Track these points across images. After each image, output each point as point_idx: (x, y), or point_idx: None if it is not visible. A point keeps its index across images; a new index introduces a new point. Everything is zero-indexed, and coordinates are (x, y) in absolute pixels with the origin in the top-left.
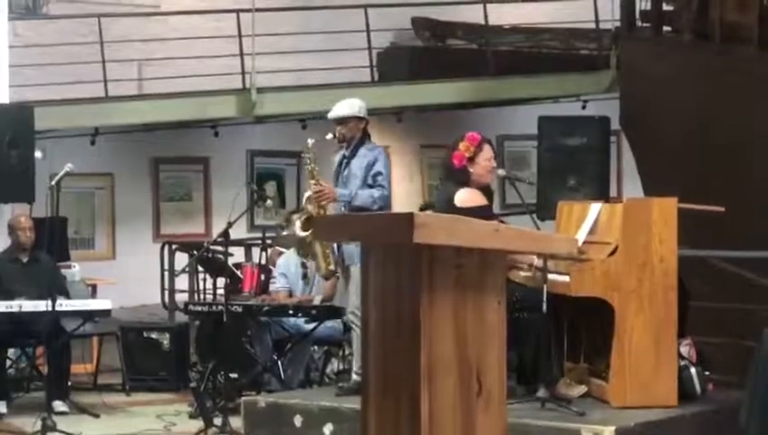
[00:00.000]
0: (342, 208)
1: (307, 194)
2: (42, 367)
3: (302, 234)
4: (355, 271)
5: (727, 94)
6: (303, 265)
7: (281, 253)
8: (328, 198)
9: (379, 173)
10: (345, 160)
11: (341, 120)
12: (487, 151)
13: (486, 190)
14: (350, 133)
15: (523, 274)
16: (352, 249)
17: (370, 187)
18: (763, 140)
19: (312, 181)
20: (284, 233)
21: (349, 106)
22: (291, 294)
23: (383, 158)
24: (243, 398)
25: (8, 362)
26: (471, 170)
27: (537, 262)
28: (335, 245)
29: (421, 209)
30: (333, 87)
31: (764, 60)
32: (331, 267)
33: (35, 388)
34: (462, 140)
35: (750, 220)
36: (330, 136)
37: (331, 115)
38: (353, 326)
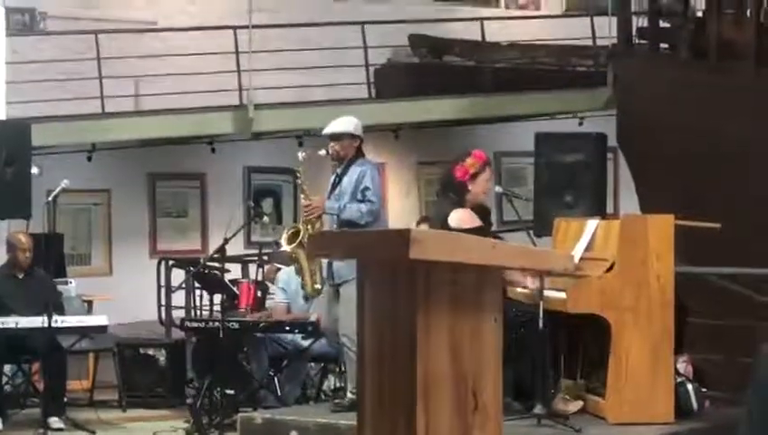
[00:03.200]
0: (335, 225)
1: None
2: (38, 383)
3: (287, 248)
4: (345, 291)
5: (724, 111)
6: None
7: (278, 269)
8: (315, 213)
9: (367, 188)
10: (338, 178)
11: (335, 137)
12: (488, 173)
13: (483, 209)
14: (344, 151)
15: (519, 290)
16: (342, 268)
17: (360, 201)
18: (760, 157)
19: (302, 196)
20: (280, 250)
21: (343, 123)
22: (289, 309)
23: (372, 172)
24: (239, 414)
25: (4, 379)
26: (470, 187)
27: (533, 281)
28: (325, 262)
29: (419, 223)
30: (330, 103)
31: (761, 76)
32: (317, 286)
33: (31, 404)
34: (469, 155)
35: (747, 237)
36: (323, 152)
37: (325, 132)
38: (346, 349)
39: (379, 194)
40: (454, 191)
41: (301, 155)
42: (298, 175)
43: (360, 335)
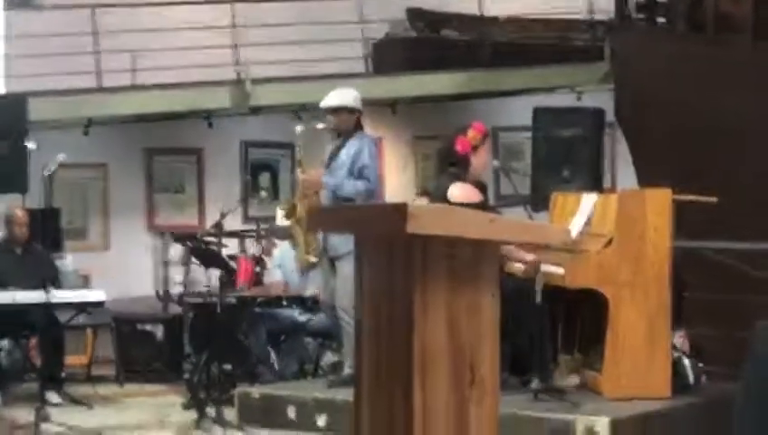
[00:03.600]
0: (332, 197)
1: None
2: (35, 358)
3: (285, 222)
4: (341, 265)
5: (722, 85)
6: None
7: (275, 245)
8: (312, 187)
9: (366, 166)
10: (336, 150)
11: (334, 111)
12: (488, 145)
13: (479, 184)
14: (343, 124)
15: (517, 265)
16: (338, 241)
17: (358, 176)
18: (758, 131)
19: (299, 169)
20: (278, 225)
21: (341, 96)
22: (286, 287)
23: (370, 148)
24: (236, 389)
25: (2, 353)
26: (472, 160)
27: (530, 256)
28: (321, 236)
29: (418, 195)
30: (328, 78)
31: (759, 50)
32: (313, 259)
33: (29, 379)
34: (469, 127)
35: (744, 211)
36: (321, 125)
37: (323, 104)
38: (342, 323)
39: (376, 172)
40: (455, 165)
41: (298, 129)
42: (297, 149)
43: (357, 310)
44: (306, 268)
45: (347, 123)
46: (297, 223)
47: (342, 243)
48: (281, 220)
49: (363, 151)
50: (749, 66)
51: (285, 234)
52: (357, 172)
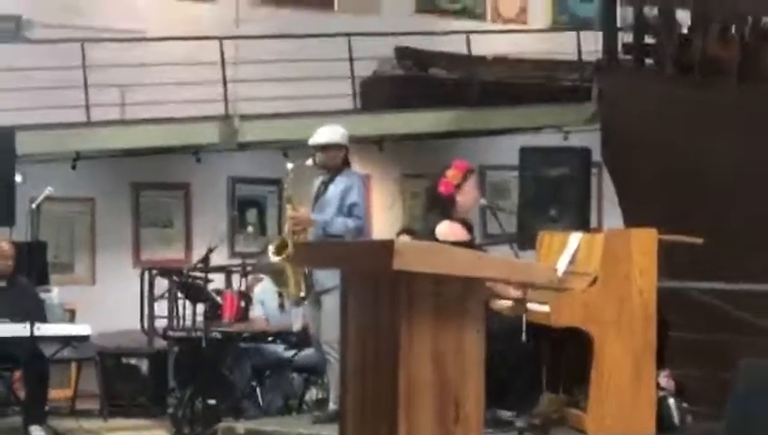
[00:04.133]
0: (320, 234)
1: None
2: (19, 391)
3: (275, 259)
4: (326, 300)
5: (709, 127)
6: (280, 295)
7: (261, 279)
8: (302, 224)
9: (355, 204)
10: (323, 187)
11: (322, 148)
12: (473, 181)
13: (465, 223)
14: (331, 161)
15: (503, 302)
16: (324, 276)
17: (347, 214)
18: (745, 174)
19: (289, 206)
20: (264, 261)
21: (329, 133)
22: (268, 323)
23: (359, 186)
24: (221, 424)
25: None
26: (458, 199)
27: (517, 294)
28: (307, 271)
29: (398, 234)
30: (316, 115)
31: (745, 93)
32: (302, 294)
33: (12, 413)
34: (449, 167)
35: (731, 254)
36: (309, 162)
37: (311, 142)
38: (328, 357)
39: (364, 210)
40: (440, 206)
41: (289, 165)
42: (286, 186)
43: (342, 345)
44: (296, 302)
45: (335, 160)
46: (287, 259)
47: (329, 277)
48: (271, 256)
49: (353, 189)
50: (736, 109)
51: (272, 269)
52: (347, 210)
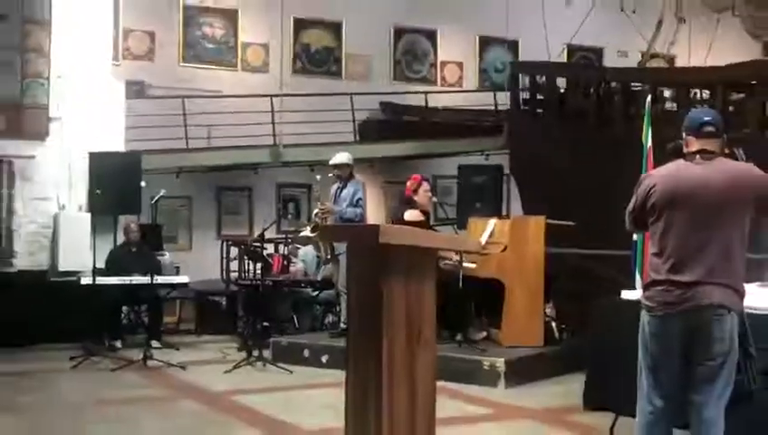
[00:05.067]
0: (338, 219)
1: (315, 211)
2: (144, 318)
3: (312, 235)
4: (342, 260)
5: (577, 152)
6: (318, 257)
7: (297, 248)
8: (328, 214)
9: (359, 199)
10: (339, 190)
11: (337, 165)
12: (426, 186)
13: (425, 212)
14: (343, 173)
15: (448, 262)
16: (340, 246)
17: (354, 206)
18: (600, 180)
19: (319, 203)
20: (299, 235)
21: (342, 156)
22: (306, 273)
23: (361, 189)
24: (271, 339)
25: (123, 315)
26: (416, 198)
27: (455, 256)
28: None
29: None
30: (331, 145)
31: (600, 131)
32: (329, 256)
33: (140, 332)
34: (409, 179)
35: (592, 231)
36: (331, 175)
37: (331, 162)
38: (342, 294)
39: (365, 203)
40: (407, 203)
41: (318, 177)
42: (317, 190)
43: (348, 289)
44: (325, 261)
45: (345, 173)
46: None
47: (342, 246)
48: (307, 233)
49: (358, 191)
50: (594, 140)
51: (304, 241)
52: (354, 202)
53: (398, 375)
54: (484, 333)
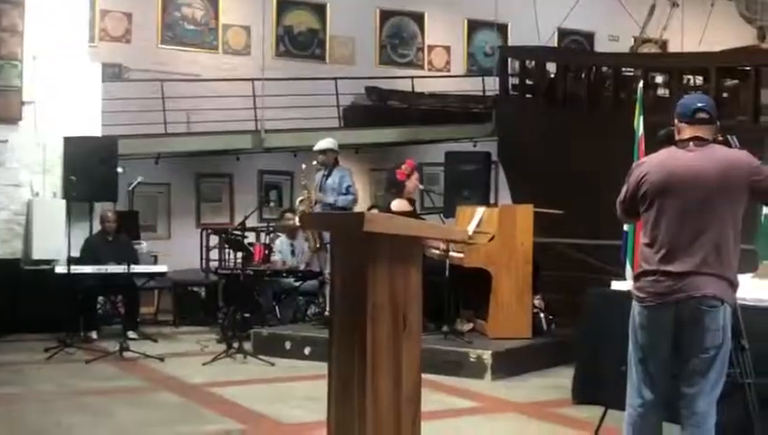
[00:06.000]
0: (328, 208)
1: (300, 198)
2: (120, 308)
3: (298, 224)
4: (329, 248)
5: (567, 138)
6: (291, 245)
7: (277, 237)
8: (313, 203)
9: (350, 185)
10: (324, 177)
11: (322, 151)
12: (416, 175)
13: (411, 201)
14: (328, 160)
15: (434, 251)
16: (328, 235)
17: (344, 194)
18: (592, 167)
19: (305, 191)
20: (281, 223)
21: (327, 142)
22: (284, 264)
23: (349, 175)
24: (252, 330)
25: (98, 306)
26: (406, 184)
27: (442, 245)
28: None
29: (369, 208)
30: (314, 130)
31: (591, 114)
32: (317, 245)
33: (116, 323)
34: (404, 163)
35: (581, 221)
36: (315, 162)
37: (315, 147)
38: (328, 283)
39: (355, 188)
40: (395, 187)
41: (303, 165)
42: (303, 179)
43: (332, 277)
44: (313, 250)
45: (330, 159)
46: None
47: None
48: (296, 222)
49: (345, 178)
50: (585, 125)
51: (285, 229)
52: (345, 190)
53: (382, 365)
54: (471, 325)
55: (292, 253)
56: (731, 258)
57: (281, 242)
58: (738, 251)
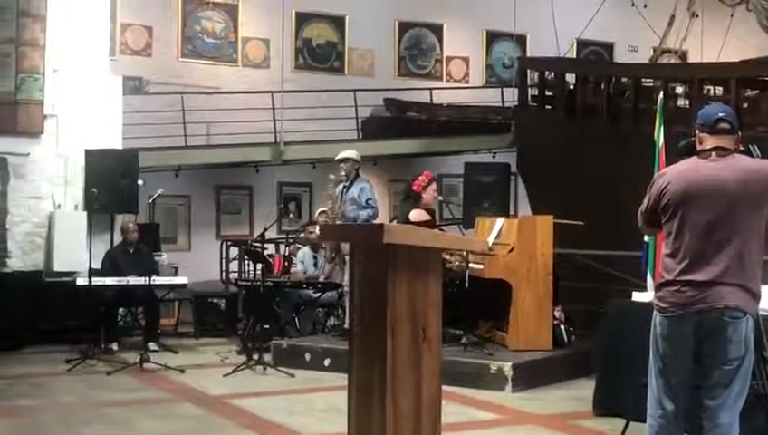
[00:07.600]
0: (351, 220)
1: (320, 209)
2: (141, 320)
3: (319, 235)
4: (347, 260)
5: (586, 151)
6: (314, 257)
7: (298, 248)
8: (335, 215)
9: (370, 198)
10: (345, 188)
11: (344, 160)
12: (434, 185)
13: (430, 210)
14: (349, 170)
15: (453, 262)
16: (346, 246)
17: (365, 207)
18: (610, 178)
19: (330, 202)
20: (300, 235)
21: (349, 152)
22: (305, 274)
23: (369, 187)
24: (272, 341)
25: (119, 317)
26: (423, 195)
27: (462, 257)
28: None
29: (391, 220)
30: (333, 142)
31: (611, 126)
32: (334, 256)
33: (137, 334)
34: (421, 174)
35: (601, 231)
36: (332, 176)
37: (337, 157)
38: (347, 294)
39: (376, 200)
40: (412, 198)
41: (331, 176)
42: (329, 188)
43: (351, 288)
44: (329, 261)
45: (351, 170)
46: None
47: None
48: (317, 233)
49: (365, 191)
50: (604, 137)
51: (305, 241)
52: (365, 204)
53: (403, 377)
54: (490, 335)
55: (315, 265)
56: (754, 268)
57: (303, 253)
58: (761, 261)
